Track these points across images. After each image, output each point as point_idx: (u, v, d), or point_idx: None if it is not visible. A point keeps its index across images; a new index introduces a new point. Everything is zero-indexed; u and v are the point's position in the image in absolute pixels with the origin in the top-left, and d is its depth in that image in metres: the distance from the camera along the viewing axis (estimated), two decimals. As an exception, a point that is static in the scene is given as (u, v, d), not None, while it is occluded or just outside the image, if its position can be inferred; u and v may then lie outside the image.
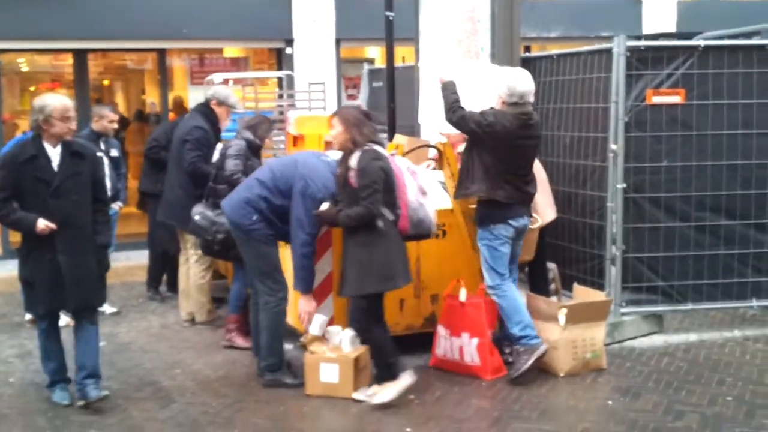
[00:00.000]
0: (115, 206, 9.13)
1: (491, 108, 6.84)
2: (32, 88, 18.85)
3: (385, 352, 6.57)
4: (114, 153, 9.24)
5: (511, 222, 6.86)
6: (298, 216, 6.63)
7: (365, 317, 6.57)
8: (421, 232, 6.66)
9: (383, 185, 6.33)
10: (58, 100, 6.36)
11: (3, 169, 6.31)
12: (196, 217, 7.75)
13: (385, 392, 6.41)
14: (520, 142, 6.78)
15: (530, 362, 6.78)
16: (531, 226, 7.30)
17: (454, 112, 6.83)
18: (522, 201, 6.93)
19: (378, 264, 6.35)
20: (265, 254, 6.91)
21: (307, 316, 6.80)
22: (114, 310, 9.35)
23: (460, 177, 7.01)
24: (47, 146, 6.29)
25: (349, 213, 6.34)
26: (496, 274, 6.92)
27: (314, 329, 6.78)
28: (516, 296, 6.96)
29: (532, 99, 6.90)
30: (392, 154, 6.86)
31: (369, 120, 6.60)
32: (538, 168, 7.45)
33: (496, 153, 6.75)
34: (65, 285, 6.29)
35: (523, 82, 6.83)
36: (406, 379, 6.51)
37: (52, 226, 6.16)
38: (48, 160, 6.28)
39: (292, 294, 7.00)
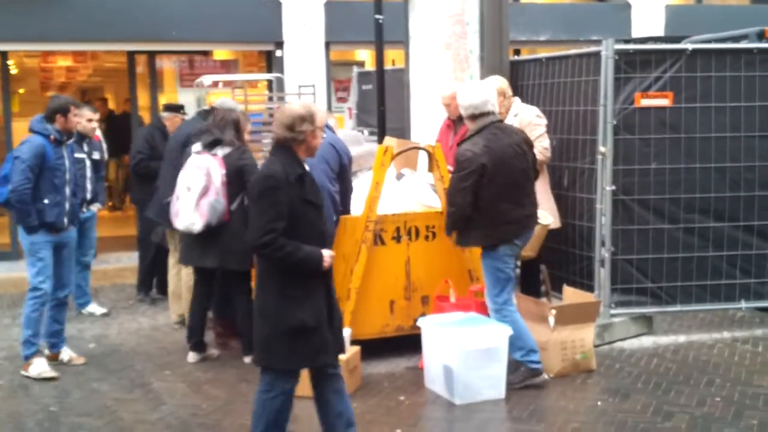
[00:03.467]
0: (94, 208, 9.15)
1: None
2: (21, 90, 18.82)
3: None
4: (96, 156, 9.12)
5: (516, 242, 6.80)
6: None
7: None
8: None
9: None
10: (317, 107, 5.44)
11: (277, 191, 5.00)
12: None
13: None
14: (507, 159, 6.61)
15: (523, 384, 6.77)
16: (542, 222, 7.42)
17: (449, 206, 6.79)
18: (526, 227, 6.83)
19: None
20: None
21: None
22: (104, 311, 9.37)
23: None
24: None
25: None
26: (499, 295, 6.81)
27: None
28: (519, 320, 6.81)
29: (492, 108, 6.68)
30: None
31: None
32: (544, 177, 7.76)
33: (490, 188, 6.57)
34: (334, 328, 5.30)
35: (472, 93, 6.73)
36: None
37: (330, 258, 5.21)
38: (311, 178, 5.25)
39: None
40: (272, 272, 5.12)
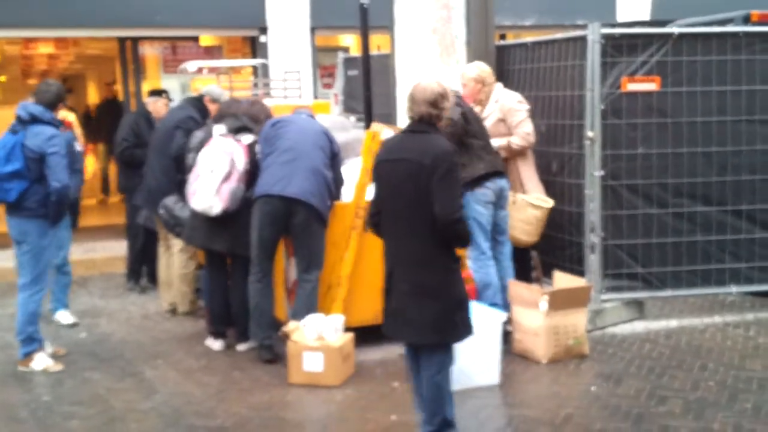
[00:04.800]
0: None
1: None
2: (2, 78, 18.67)
3: None
4: None
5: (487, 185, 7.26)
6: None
7: None
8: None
9: None
10: None
11: (459, 167, 5.22)
12: (160, 211, 7.91)
13: None
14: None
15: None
16: (543, 206, 7.67)
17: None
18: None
19: None
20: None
21: None
22: (73, 321, 8.60)
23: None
24: None
25: None
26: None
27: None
28: (491, 273, 7.18)
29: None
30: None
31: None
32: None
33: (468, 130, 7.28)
34: None
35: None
36: None
37: None
38: None
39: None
40: (440, 250, 5.12)
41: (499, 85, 7.99)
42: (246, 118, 7.53)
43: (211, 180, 7.13)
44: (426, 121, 5.21)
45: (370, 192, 7.30)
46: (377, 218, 5.31)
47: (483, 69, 7.90)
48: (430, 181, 5.00)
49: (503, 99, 7.82)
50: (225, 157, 7.18)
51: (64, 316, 8.35)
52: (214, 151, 7.26)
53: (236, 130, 7.40)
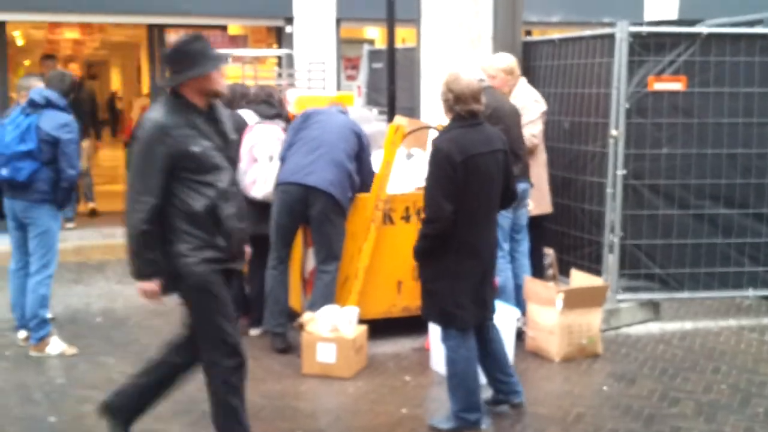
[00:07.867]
0: None
1: None
2: (26, 62, 18.76)
3: None
4: None
5: None
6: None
7: None
8: None
9: None
10: None
11: None
12: None
13: None
14: None
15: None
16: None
17: None
18: None
19: None
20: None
21: None
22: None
23: None
24: None
25: None
26: None
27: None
28: (508, 278, 7.19)
29: None
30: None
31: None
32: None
33: None
34: None
35: None
36: None
37: None
38: None
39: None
40: None
41: (523, 80, 7.91)
42: (276, 103, 7.62)
43: (273, 167, 7.24)
44: (475, 114, 5.51)
45: (390, 186, 7.32)
46: (455, 215, 5.39)
47: (511, 60, 7.81)
48: (510, 167, 5.65)
49: (520, 95, 7.74)
50: (278, 143, 7.29)
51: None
52: (266, 138, 7.32)
53: (272, 117, 7.47)
